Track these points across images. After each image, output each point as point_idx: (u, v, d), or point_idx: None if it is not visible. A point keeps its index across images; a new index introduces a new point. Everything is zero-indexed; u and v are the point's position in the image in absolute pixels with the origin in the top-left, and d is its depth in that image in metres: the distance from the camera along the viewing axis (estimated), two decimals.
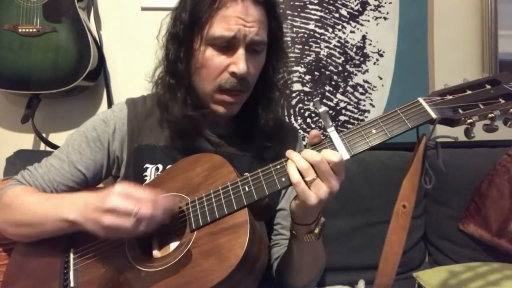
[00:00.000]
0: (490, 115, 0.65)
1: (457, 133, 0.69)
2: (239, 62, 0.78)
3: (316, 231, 0.76)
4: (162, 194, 0.73)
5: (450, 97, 0.68)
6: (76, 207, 0.72)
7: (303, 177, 0.66)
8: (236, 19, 0.77)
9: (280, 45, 0.90)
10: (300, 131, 1.44)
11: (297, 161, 0.67)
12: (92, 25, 1.40)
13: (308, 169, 0.66)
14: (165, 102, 0.86)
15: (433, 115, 0.66)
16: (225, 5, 0.78)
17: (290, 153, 0.70)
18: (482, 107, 0.66)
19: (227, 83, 0.81)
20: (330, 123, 0.70)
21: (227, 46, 0.79)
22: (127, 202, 0.67)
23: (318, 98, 1.48)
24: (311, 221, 0.75)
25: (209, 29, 0.79)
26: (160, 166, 0.87)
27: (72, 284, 0.74)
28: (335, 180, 0.67)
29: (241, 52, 0.79)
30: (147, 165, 0.88)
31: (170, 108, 0.85)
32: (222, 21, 0.78)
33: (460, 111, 0.66)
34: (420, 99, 0.68)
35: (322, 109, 0.71)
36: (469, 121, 0.65)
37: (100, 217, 0.67)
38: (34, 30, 1.25)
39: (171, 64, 0.85)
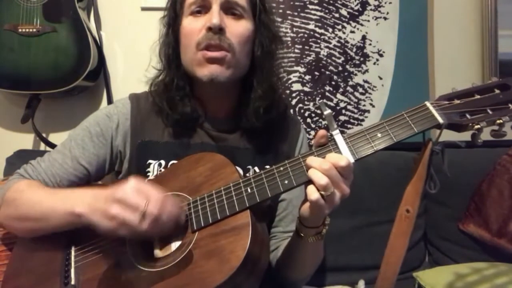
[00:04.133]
0: (498, 121, 0.63)
1: (463, 137, 0.68)
2: (212, 16, 0.81)
3: (323, 232, 0.76)
4: (167, 193, 0.73)
5: (458, 101, 0.66)
6: (84, 200, 0.72)
7: (322, 194, 0.65)
8: None
9: (266, 20, 0.89)
10: None
11: (318, 181, 0.64)
12: (92, 25, 1.40)
13: (328, 185, 0.64)
14: (157, 90, 0.91)
15: (440, 120, 0.64)
16: None
17: (311, 172, 0.66)
18: (490, 112, 0.64)
19: (204, 38, 0.82)
20: (335, 126, 0.69)
21: (201, 10, 0.84)
22: (137, 196, 0.67)
23: (323, 101, 1.47)
24: (321, 223, 0.75)
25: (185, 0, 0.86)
26: (163, 162, 0.88)
27: (73, 282, 0.74)
28: (345, 185, 0.66)
29: (214, 7, 0.82)
30: (150, 161, 0.88)
31: (159, 91, 0.90)
32: None
33: (468, 116, 0.65)
34: (427, 103, 0.67)
35: (327, 111, 0.70)
36: (476, 126, 0.64)
37: (108, 206, 0.67)
38: (34, 30, 1.24)
39: (163, 50, 0.90)
